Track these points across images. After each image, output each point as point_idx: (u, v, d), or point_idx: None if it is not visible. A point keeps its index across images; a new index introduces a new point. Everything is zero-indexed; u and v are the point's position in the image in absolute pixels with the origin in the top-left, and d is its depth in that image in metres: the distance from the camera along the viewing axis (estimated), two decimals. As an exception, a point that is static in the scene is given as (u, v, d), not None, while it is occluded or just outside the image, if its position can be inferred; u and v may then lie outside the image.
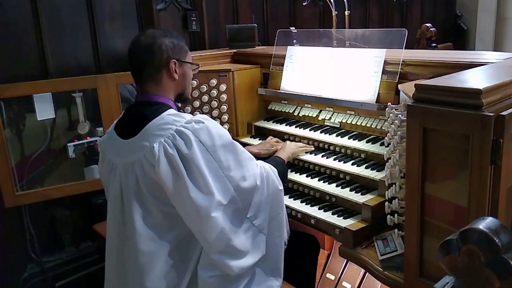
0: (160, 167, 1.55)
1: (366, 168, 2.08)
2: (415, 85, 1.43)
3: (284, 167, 2.09)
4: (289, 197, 2.17)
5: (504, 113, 1.25)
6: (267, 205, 1.78)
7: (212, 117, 2.67)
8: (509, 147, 1.28)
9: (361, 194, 2.00)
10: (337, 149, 2.30)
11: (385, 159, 1.82)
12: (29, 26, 2.73)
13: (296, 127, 2.52)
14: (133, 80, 1.77)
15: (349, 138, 2.26)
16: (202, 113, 2.67)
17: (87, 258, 3.07)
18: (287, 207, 2.02)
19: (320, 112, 2.48)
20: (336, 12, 2.88)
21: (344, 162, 2.17)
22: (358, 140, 2.22)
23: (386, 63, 2.17)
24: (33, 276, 2.91)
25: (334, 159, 2.21)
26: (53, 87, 2.70)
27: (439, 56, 2.13)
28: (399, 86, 1.88)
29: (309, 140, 2.40)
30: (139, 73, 1.73)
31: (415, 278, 1.52)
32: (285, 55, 2.64)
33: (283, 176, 1.97)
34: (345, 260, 2.18)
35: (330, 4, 2.91)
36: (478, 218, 0.79)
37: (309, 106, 2.54)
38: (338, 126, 2.39)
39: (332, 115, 2.42)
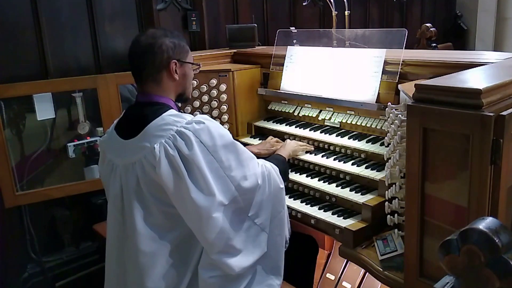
0: (161, 168, 1.55)
1: (366, 168, 2.08)
2: (415, 85, 1.43)
3: (285, 165, 2.09)
4: (289, 197, 2.18)
5: (504, 113, 1.25)
6: (268, 204, 1.78)
7: (212, 117, 2.66)
8: (509, 147, 1.28)
9: (361, 194, 2.00)
10: (337, 149, 2.30)
11: (385, 159, 1.82)
12: (29, 26, 2.73)
13: (296, 127, 2.52)
14: (134, 80, 1.77)
15: (349, 138, 2.26)
16: (202, 113, 2.67)
17: (87, 258, 3.07)
18: (287, 207, 2.02)
19: (320, 112, 2.48)
20: (336, 12, 2.88)
21: (344, 162, 2.17)
22: (358, 140, 2.22)
23: (386, 63, 2.17)
24: (33, 276, 2.91)
25: (334, 159, 2.21)
26: (53, 87, 2.70)
27: (439, 56, 2.13)
28: (399, 86, 1.88)
29: (309, 140, 2.40)
30: (139, 73, 1.73)
31: (415, 278, 1.52)
32: (285, 55, 2.64)
33: (284, 174, 1.97)
34: (345, 260, 2.18)
35: (330, 4, 2.91)
36: (478, 218, 0.79)
37: (309, 106, 2.54)
38: (338, 126, 2.39)
39: (332, 115, 2.42)
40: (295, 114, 2.59)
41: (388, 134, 1.79)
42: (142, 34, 1.77)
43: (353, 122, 2.30)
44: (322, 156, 2.27)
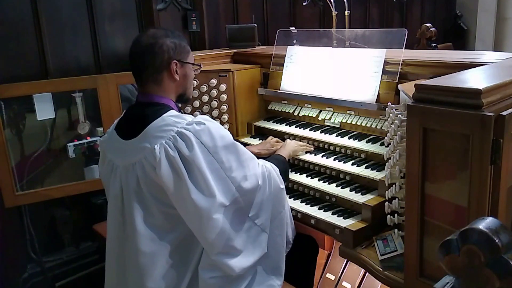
0: (161, 169, 1.55)
1: (366, 168, 2.08)
2: (415, 85, 1.43)
3: (286, 165, 2.09)
4: (289, 197, 2.17)
5: (504, 113, 1.25)
6: (269, 204, 1.78)
7: (212, 117, 2.67)
8: (509, 147, 1.28)
9: (361, 194, 2.00)
10: (337, 149, 2.30)
11: (385, 159, 1.82)
12: (29, 26, 2.73)
13: (296, 127, 2.52)
14: (134, 80, 1.77)
15: (349, 138, 2.26)
16: (202, 113, 2.67)
17: (87, 258, 3.07)
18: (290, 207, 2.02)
19: (320, 112, 2.48)
20: (336, 12, 2.88)
21: (344, 162, 2.17)
22: (358, 140, 2.22)
23: (386, 63, 2.17)
24: (33, 276, 2.91)
25: (334, 159, 2.21)
26: (53, 87, 2.70)
27: (439, 56, 2.13)
28: (399, 86, 1.88)
29: (309, 140, 2.40)
30: (140, 73, 1.73)
31: (415, 278, 1.52)
32: (285, 55, 2.64)
33: (284, 174, 1.97)
34: (345, 260, 2.18)
35: (330, 4, 2.91)
36: (478, 218, 0.79)
37: (309, 106, 2.54)
38: (338, 126, 2.39)
39: (332, 115, 2.42)
40: (295, 114, 2.59)
41: (388, 134, 1.79)
42: (143, 34, 1.77)
43: (353, 122, 2.30)
44: (322, 156, 2.27)
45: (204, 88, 2.65)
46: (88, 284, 3.01)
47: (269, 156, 2.19)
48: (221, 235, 1.61)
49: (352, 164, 2.15)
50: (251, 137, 2.68)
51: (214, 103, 2.67)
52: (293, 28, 2.87)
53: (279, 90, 2.63)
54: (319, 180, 2.19)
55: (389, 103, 1.82)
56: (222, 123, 2.69)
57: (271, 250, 1.82)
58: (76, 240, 3.07)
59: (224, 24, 3.43)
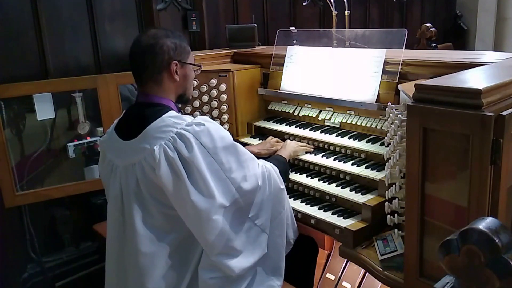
0: (161, 170, 1.55)
1: (366, 168, 2.08)
2: (415, 85, 1.43)
3: (286, 165, 2.09)
4: (289, 197, 2.17)
5: (504, 113, 1.25)
6: (269, 204, 1.78)
7: (212, 117, 2.67)
8: (509, 147, 1.28)
9: (361, 194, 2.00)
10: (337, 149, 2.30)
11: (385, 159, 1.82)
12: (29, 26, 2.73)
13: (296, 127, 2.52)
14: (134, 80, 1.77)
15: (349, 138, 2.26)
16: (202, 113, 2.67)
17: (87, 258, 3.07)
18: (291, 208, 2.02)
19: (320, 112, 2.48)
20: (336, 12, 2.88)
21: (344, 162, 2.17)
22: (358, 140, 2.22)
23: (386, 63, 2.17)
24: (33, 276, 2.90)
25: (334, 159, 2.21)
26: (53, 87, 2.70)
27: (439, 56, 2.13)
28: (399, 86, 1.88)
29: (309, 140, 2.40)
30: (140, 73, 1.73)
31: (415, 278, 1.52)
32: (285, 55, 2.64)
33: (284, 174, 1.97)
34: (345, 260, 2.17)
35: (330, 4, 2.91)
36: (478, 218, 0.79)
37: (309, 106, 2.54)
38: (338, 126, 2.39)
39: (332, 115, 2.42)
40: (295, 114, 2.59)
41: (388, 134, 1.79)
42: (143, 34, 1.76)
43: (353, 122, 2.30)
44: (322, 156, 2.27)
45: (204, 88, 2.65)
46: (88, 284, 3.01)
47: (269, 157, 2.19)
48: (221, 236, 1.61)
49: (352, 164, 2.15)
50: (251, 137, 2.68)
51: (214, 103, 2.67)
52: (293, 28, 2.87)
53: (279, 90, 2.63)
54: (319, 180, 2.19)
55: (389, 103, 1.82)
56: (222, 123, 2.69)
57: (271, 250, 1.82)
58: (76, 240, 3.07)
59: (224, 24, 3.43)
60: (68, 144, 2.81)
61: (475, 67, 1.74)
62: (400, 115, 1.63)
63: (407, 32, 2.11)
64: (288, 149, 2.23)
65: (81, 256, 3.06)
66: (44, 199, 2.77)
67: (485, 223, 0.77)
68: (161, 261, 1.65)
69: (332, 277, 2.24)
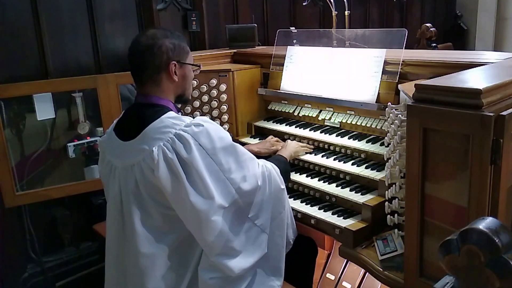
0: (159, 171, 1.55)
1: (366, 168, 2.08)
2: (415, 85, 1.43)
3: (287, 165, 2.09)
4: (289, 197, 2.17)
5: (504, 113, 1.25)
6: (269, 204, 1.78)
7: (212, 117, 2.67)
8: (509, 147, 1.28)
9: (361, 194, 2.00)
10: (337, 149, 2.30)
11: (385, 159, 1.82)
12: (29, 26, 2.73)
13: (296, 127, 2.52)
14: (133, 80, 1.77)
15: (349, 138, 2.26)
16: (202, 113, 2.67)
17: (87, 258, 3.07)
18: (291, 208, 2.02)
19: (320, 112, 2.48)
20: (336, 12, 2.88)
21: (344, 162, 2.17)
22: (358, 140, 2.22)
23: (386, 63, 2.17)
24: (33, 276, 2.90)
25: (334, 159, 2.21)
26: (53, 87, 2.70)
27: (439, 56, 2.13)
28: (399, 86, 1.88)
29: (309, 140, 2.40)
30: (138, 74, 1.72)
31: (415, 278, 1.52)
32: (285, 55, 2.64)
33: (285, 174, 1.97)
34: (345, 260, 2.18)
35: (330, 4, 2.91)
36: (478, 218, 0.79)
37: (309, 106, 2.54)
38: (338, 126, 2.38)
39: (332, 115, 2.42)
40: (295, 114, 2.59)
41: (388, 134, 1.79)
42: (142, 34, 1.76)
43: (353, 122, 2.30)
44: (322, 156, 2.27)
45: (204, 88, 2.65)
46: (88, 284, 3.01)
47: (270, 156, 2.19)
48: (220, 236, 1.61)
49: (352, 164, 2.15)
50: (251, 137, 2.68)
51: (214, 103, 2.67)
52: (293, 28, 2.87)
53: (279, 90, 2.63)
54: (319, 180, 2.19)
55: (389, 103, 1.82)
56: (222, 123, 2.69)
57: (271, 250, 1.82)
58: (76, 240, 3.07)
59: (224, 24, 3.43)
60: (68, 144, 2.81)
61: (475, 67, 1.74)
62: (400, 115, 1.63)
63: (407, 32, 2.11)
64: (289, 149, 2.23)
65: (81, 256, 3.06)
66: (44, 199, 2.77)
67: (485, 223, 0.77)
68: (160, 261, 1.65)
69: (332, 277, 2.24)
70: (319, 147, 2.37)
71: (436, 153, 1.38)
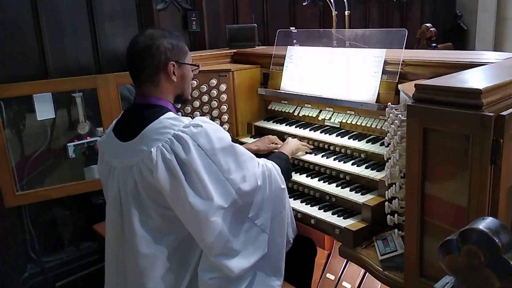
0: (158, 172, 1.54)
1: (366, 168, 2.08)
2: (415, 85, 1.43)
3: (288, 163, 2.08)
4: (289, 197, 2.17)
5: (504, 113, 1.25)
6: (269, 204, 1.78)
7: (212, 117, 2.67)
8: (509, 147, 1.28)
9: (361, 194, 2.00)
10: (337, 149, 2.30)
11: (385, 159, 1.82)
12: (29, 26, 2.73)
13: (296, 127, 2.52)
14: (132, 81, 1.76)
15: (349, 138, 2.26)
16: (202, 113, 2.67)
17: (87, 258, 3.07)
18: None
19: (320, 112, 2.48)
20: (336, 12, 2.88)
21: (344, 162, 2.17)
22: (358, 140, 2.22)
23: (386, 63, 2.17)
24: (33, 276, 2.90)
25: (334, 159, 2.21)
26: (53, 87, 2.70)
27: (439, 56, 2.13)
28: (399, 86, 1.88)
29: (309, 140, 2.40)
30: (137, 74, 1.72)
31: (415, 278, 1.52)
32: (285, 55, 2.64)
33: (287, 172, 1.96)
34: (345, 260, 2.18)
35: (330, 4, 2.91)
36: (478, 218, 0.79)
37: (309, 106, 2.54)
38: (338, 126, 2.38)
39: (332, 115, 2.42)
40: (295, 114, 2.59)
41: (388, 134, 1.79)
42: (140, 34, 1.74)
43: (353, 122, 2.30)
44: (322, 156, 2.27)
45: (204, 88, 2.65)
46: (88, 284, 3.01)
47: (269, 153, 2.18)
48: (220, 237, 1.60)
49: (352, 164, 2.15)
50: (251, 137, 2.68)
51: (214, 103, 2.67)
52: (293, 28, 2.87)
53: (279, 90, 2.63)
54: (319, 180, 2.19)
55: (389, 103, 1.82)
56: (222, 123, 2.69)
57: (271, 250, 1.81)
58: (76, 240, 3.07)
59: (224, 24, 3.43)
60: (68, 144, 2.81)
61: (475, 67, 1.74)
62: (400, 115, 1.63)
63: (407, 32, 2.11)
64: (291, 145, 2.22)
65: (81, 256, 3.06)
66: (44, 199, 2.77)
67: (485, 223, 0.77)
68: (160, 262, 1.65)
69: (332, 277, 2.24)
70: (319, 147, 2.37)
71: (436, 153, 1.38)
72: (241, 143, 2.08)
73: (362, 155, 2.18)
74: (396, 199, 1.71)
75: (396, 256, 1.73)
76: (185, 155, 1.54)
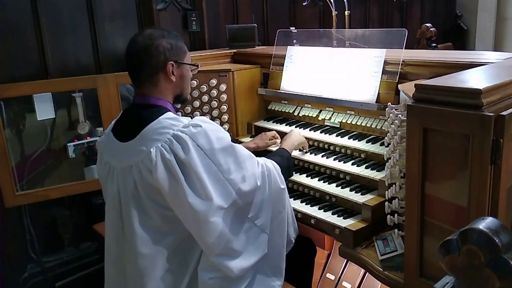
0: (158, 172, 1.54)
1: (366, 168, 2.08)
2: (415, 85, 1.43)
3: (289, 161, 2.05)
4: (289, 197, 2.17)
5: (504, 113, 1.25)
6: (269, 204, 1.77)
7: (212, 117, 2.67)
8: (509, 147, 1.28)
9: (361, 194, 2.00)
10: (337, 149, 2.30)
11: (385, 159, 1.82)
12: (29, 26, 2.73)
13: (296, 127, 2.52)
14: (131, 81, 1.76)
15: (349, 138, 2.26)
16: (202, 113, 2.67)
17: (87, 258, 3.07)
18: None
19: (320, 112, 2.48)
20: (336, 12, 2.88)
21: (344, 162, 2.17)
22: (358, 140, 2.22)
23: (386, 63, 2.17)
24: (33, 276, 2.91)
25: (334, 159, 2.21)
26: (53, 87, 2.70)
27: (439, 56, 2.13)
28: (399, 86, 1.88)
29: (309, 140, 2.40)
30: (136, 74, 1.71)
31: (415, 278, 1.52)
32: (285, 55, 2.64)
33: (288, 171, 1.95)
34: (345, 260, 2.18)
35: (330, 4, 2.91)
36: (478, 218, 0.79)
37: (309, 106, 2.54)
38: (338, 126, 2.38)
39: (332, 115, 2.42)
40: (295, 114, 2.59)
41: (388, 134, 1.79)
42: (139, 34, 1.73)
43: (353, 122, 2.30)
44: (322, 156, 2.27)
45: (204, 88, 2.65)
46: (88, 284, 3.01)
47: (271, 151, 2.17)
48: (220, 237, 1.60)
49: (352, 164, 2.14)
50: (251, 137, 2.67)
51: (214, 103, 2.67)
52: (293, 28, 2.87)
53: (279, 90, 2.63)
54: (319, 180, 2.19)
55: (389, 103, 1.82)
56: (222, 123, 2.69)
57: (272, 250, 1.81)
58: (76, 240, 3.07)
59: (224, 24, 3.43)
60: (68, 144, 2.81)
61: (475, 67, 1.74)
62: (400, 115, 1.63)
63: (407, 32, 2.11)
64: (293, 139, 2.19)
65: (81, 256, 3.06)
66: (44, 199, 2.77)
67: (485, 223, 0.77)
68: (160, 262, 1.65)
69: (332, 277, 2.24)
70: (319, 147, 2.37)
71: (436, 153, 1.38)
72: (240, 143, 2.08)
73: (362, 155, 2.18)
74: (396, 199, 1.71)
75: (396, 256, 1.73)
76: (184, 155, 1.54)
